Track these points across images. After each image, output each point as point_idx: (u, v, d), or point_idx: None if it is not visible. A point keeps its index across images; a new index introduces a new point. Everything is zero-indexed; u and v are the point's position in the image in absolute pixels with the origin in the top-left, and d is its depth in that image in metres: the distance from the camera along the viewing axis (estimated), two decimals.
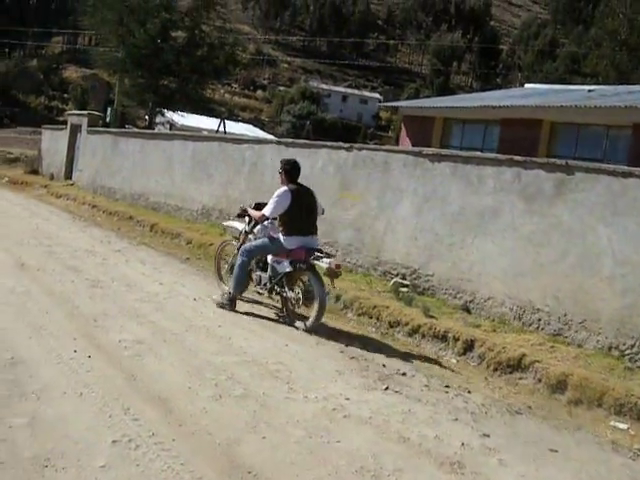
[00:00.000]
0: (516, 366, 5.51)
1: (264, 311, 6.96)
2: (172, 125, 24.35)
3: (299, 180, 6.75)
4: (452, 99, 20.32)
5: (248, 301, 7.21)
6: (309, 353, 5.58)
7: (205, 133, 20.30)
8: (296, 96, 67.95)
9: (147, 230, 12.06)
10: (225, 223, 8.49)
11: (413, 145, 15.45)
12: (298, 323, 6.40)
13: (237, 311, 6.71)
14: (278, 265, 6.63)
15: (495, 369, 5.64)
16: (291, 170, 6.67)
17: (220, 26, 19.49)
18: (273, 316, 6.79)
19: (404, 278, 7.85)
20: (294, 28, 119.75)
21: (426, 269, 7.66)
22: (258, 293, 7.17)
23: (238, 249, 7.01)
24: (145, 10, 18.37)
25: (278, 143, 10.86)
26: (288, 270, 6.50)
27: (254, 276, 7.04)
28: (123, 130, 18.45)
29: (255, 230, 6.96)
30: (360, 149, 9.04)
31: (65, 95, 68.92)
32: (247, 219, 7.10)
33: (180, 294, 7.28)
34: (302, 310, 6.53)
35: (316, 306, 6.25)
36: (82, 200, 15.39)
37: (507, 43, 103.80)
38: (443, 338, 6.22)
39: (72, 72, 74.24)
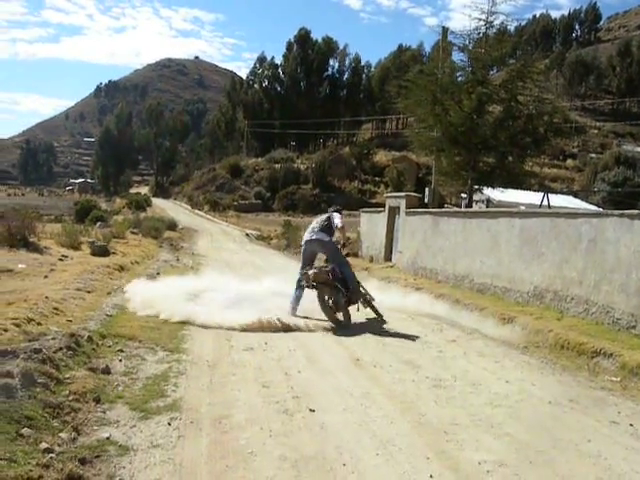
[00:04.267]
0: None
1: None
2: (489, 202, 23.65)
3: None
4: None
5: None
6: None
7: (522, 208, 19.21)
8: (610, 162, 63.13)
9: (476, 315, 11.25)
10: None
11: None
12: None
13: None
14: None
15: None
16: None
17: (536, 96, 18.45)
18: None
19: None
20: (601, 92, 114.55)
21: None
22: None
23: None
24: (459, 87, 18.25)
25: (621, 216, 9.35)
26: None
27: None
28: (443, 210, 18.21)
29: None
30: None
31: (376, 178, 73.41)
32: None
33: (531, 395, 6.29)
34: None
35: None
36: (404, 282, 15.15)
37: None
38: None
39: (382, 156, 78.85)
